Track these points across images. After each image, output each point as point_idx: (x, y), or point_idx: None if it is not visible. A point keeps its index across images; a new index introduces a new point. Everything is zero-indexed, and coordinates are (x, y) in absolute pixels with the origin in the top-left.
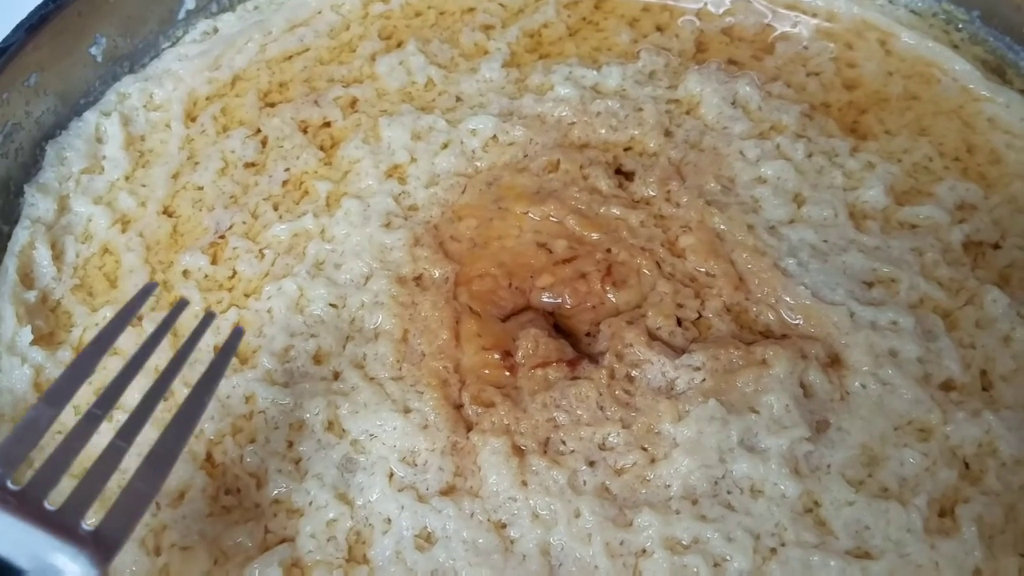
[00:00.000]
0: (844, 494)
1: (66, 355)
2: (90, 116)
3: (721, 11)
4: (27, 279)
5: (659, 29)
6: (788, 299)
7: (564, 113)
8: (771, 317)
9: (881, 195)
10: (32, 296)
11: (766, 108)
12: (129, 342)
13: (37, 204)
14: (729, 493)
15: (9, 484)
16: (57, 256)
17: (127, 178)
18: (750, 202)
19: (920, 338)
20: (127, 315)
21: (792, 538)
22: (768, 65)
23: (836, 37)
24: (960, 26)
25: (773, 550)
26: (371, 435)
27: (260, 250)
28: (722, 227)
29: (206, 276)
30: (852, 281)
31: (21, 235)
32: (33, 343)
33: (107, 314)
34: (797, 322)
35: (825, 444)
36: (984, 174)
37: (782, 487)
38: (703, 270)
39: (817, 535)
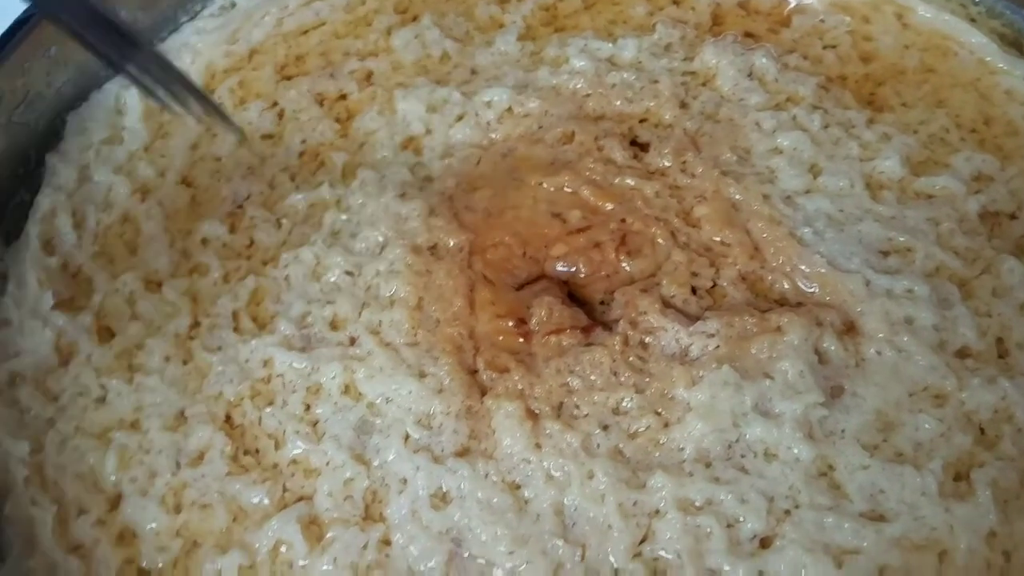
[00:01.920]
0: (859, 458)
1: (87, 320)
2: (110, 88)
3: None
4: (48, 246)
5: (675, 2)
6: (804, 267)
7: (579, 85)
8: (786, 286)
9: (897, 166)
10: (54, 262)
11: (782, 80)
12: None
13: (58, 173)
14: (743, 457)
15: None
16: (78, 224)
17: (146, 149)
18: (766, 172)
19: (936, 306)
20: None
21: (806, 500)
22: (785, 38)
23: (852, 10)
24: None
25: (787, 512)
26: (387, 399)
27: (277, 219)
28: (738, 197)
29: (224, 244)
30: (868, 250)
31: (43, 203)
32: (54, 308)
33: (128, 280)
34: (812, 290)
35: (840, 409)
36: (1001, 146)
37: (796, 451)
38: (718, 239)
39: (831, 498)
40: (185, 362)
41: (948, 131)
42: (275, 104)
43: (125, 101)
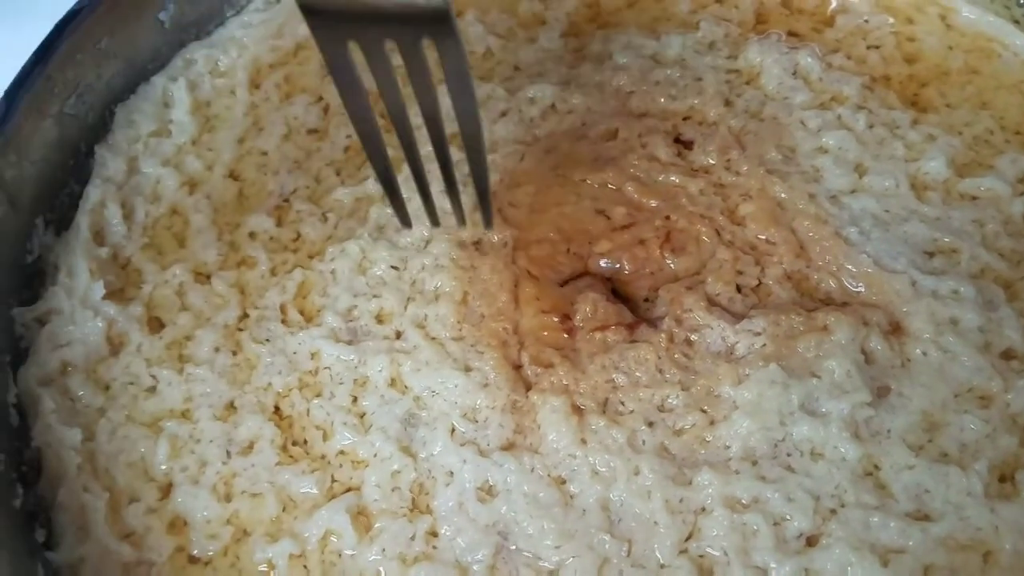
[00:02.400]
0: (904, 458)
1: (137, 310)
2: (158, 81)
3: None
4: (98, 236)
5: (718, 0)
6: (850, 267)
7: (623, 82)
8: (832, 285)
9: (942, 167)
10: (103, 252)
11: (827, 79)
12: None
13: (107, 164)
14: (789, 455)
15: None
16: (127, 215)
17: (194, 142)
18: (811, 171)
19: (981, 307)
20: None
21: (852, 500)
22: (828, 37)
23: (896, 11)
24: (1022, 1)
25: (833, 511)
26: (433, 392)
27: (323, 213)
28: (783, 196)
29: (271, 238)
30: (914, 250)
31: (92, 193)
32: (105, 298)
33: (177, 272)
34: (859, 290)
35: (886, 409)
36: None
37: (842, 450)
38: (763, 238)
39: (877, 497)
40: (234, 353)
41: (993, 133)
42: (320, 99)
43: (172, 94)
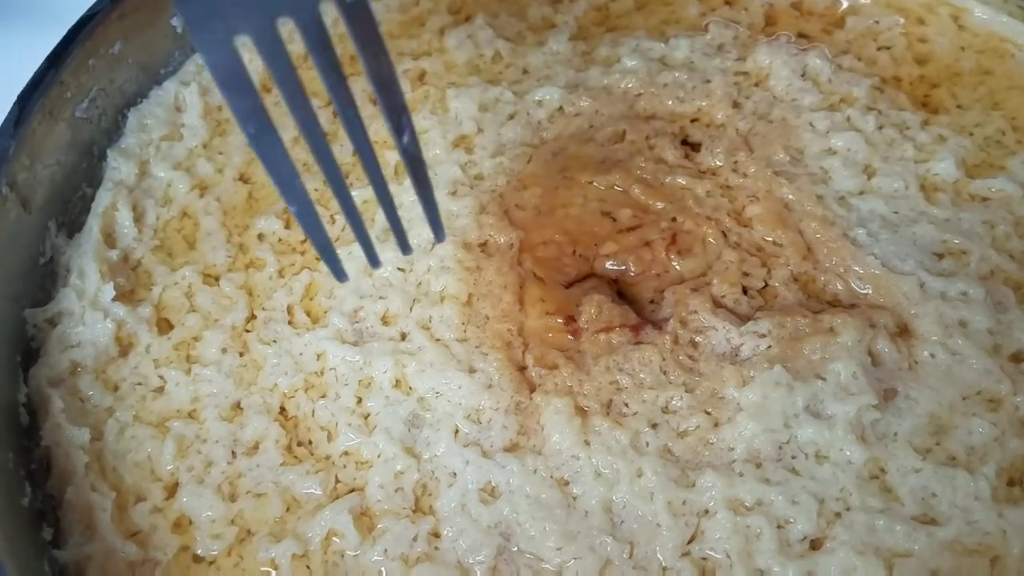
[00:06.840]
0: (911, 461)
1: (147, 311)
2: (170, 85)
3: None
4: (109, 239)
5: (728, 2)
6: (857, 269)
7: (631, 85)
8: (839, 287)
9: (952, 168)
10: (114, 255)
11: (836, 81)
12: None
13: (119, 168)
14: (793, 458)
15: None
16: (138, 218)
17: (205, 145)
18: (819, 173)
19: (991, 309)
20: None
21: (857, 503)
22: (838, 39)
23: (907, 12)
24: None
25: (838, 514)
26: (437, 393)
27: (331, 215)
28: (790, 197)
29: (280, 240)
30: (922, 252)
31: (104, 196)
32: (115, 299)
33: (186, 274)
34: (866, 292)
35: (892, 412)
36: None
37: (848, 453)
38: (770, 239)
39: (883, 501)
40: (241, 354)
41: (1004, 133)
42: (330, 103)
43: (184, 98)
